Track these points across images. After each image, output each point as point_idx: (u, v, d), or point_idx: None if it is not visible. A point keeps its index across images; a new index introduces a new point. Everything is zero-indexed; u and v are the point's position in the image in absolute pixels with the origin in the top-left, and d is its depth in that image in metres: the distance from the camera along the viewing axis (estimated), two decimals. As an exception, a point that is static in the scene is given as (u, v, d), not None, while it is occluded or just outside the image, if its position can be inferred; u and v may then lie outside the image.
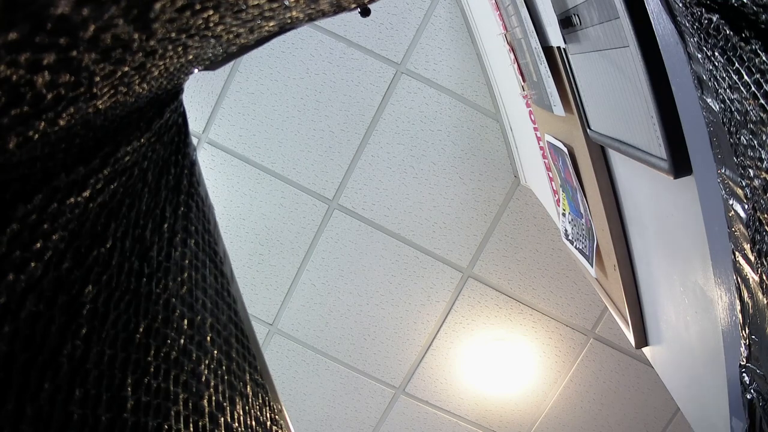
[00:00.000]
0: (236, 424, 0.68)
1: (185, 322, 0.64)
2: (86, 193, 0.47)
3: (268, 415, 0.81)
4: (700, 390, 0.98)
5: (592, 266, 1.42)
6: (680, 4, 0.58)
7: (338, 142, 2.64)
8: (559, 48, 1.18)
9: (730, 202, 0.58)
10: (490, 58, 2.40)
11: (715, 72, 0.53)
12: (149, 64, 0.44)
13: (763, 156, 0.47)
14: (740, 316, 0.60)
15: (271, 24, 0.60)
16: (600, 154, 1.19)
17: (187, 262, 0.68)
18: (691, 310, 0.94)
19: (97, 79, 0.37)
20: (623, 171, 1.12)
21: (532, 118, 1.78)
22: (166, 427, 0.54)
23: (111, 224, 0.52)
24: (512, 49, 1.63)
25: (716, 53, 0.51)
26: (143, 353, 0.54)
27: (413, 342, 2.80)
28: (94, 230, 0.49)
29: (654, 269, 1.09)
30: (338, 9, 0.75)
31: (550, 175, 1.78)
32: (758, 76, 0.45)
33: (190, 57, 0.53)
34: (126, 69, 0.40)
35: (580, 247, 1.52)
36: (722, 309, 0.72)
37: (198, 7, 0.40)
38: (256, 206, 2.71)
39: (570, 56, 1.12)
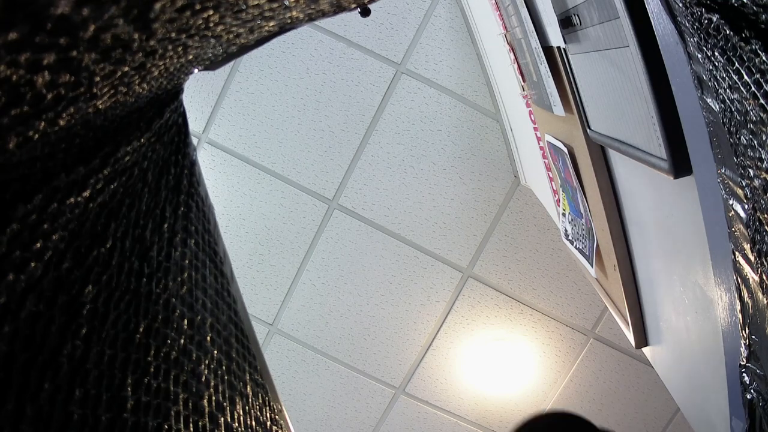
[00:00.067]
0: (236, 424, 0.68)
1: (185, 322, 0.64)
2: (86, 193, 0.47)
3: (268, 415, 0.81)
4: (700, 390, 0.98)
5: (592, 266, 1.42)
6: (680, 4, 0.58)
7: (338, 142, 2.64)
8: (559, 48, 1.18)
9: (730, 202, 0.58)
10: (490, 58, 2.40)
11: (715, 72, 0.53)
12: (149, 64, 0.44)
13: (763, 156, 0.47)
14: (740, 316, 0.60)
15: (271, 24, 0.60)
16: (600, 154, 1.19)
17: (187, 262, 0.68)
18: (691, 310, 0.94)
19: (97, 79, 0.37)
20: (623, 171, 1.12)
21: (532, 118, 1.78)
22: (166, 427, 0.54)
23: (111, 224, 0.52)
24: (512, 49, 1.63)
25: (716, 53, 0.51)
26: (143, 353, 0.54)
27: (413, 342, 2.80)
28: (94, 230, 0.49)
29: (654, 269, 1.09)
30: (338, 9, 0.75)
31: (550, 175, 1.78)
32: (758, 76, 0.45)
33: (190, 57, 0.53)
34: (126, 69, 0.40)
35: (580, 247, 1.52)
36: (722, 309, 0.72)
37: (198, 7, 0.40)
38: (256, 206, 2.71)
39: (570, 56, 1.12)
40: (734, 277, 0.61)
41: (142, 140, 0.58)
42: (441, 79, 2.58)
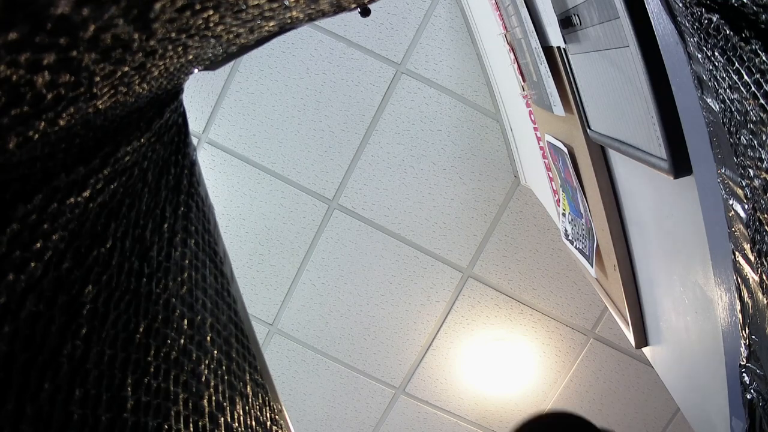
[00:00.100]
0: (236, 424, 0.68)
1: (185, 322, 0.64)
2: (86, 193, 0.47)
3: (268, 415, 0.81)
4: (700, 390, 0.98)
5: (592, 266, 1.42)
6: (680, 4, 0.58)
7: (338, 142, 2.64)
8: (559, 48, 1.18)
9: (730, 202, 0.58)
10: (490, 58, 2.40)
11: (715, 72, 0.53)
12: (149, 64, 0.44)
13: (763, 156, 0.47)
14: (740, 316, 0.60)
15: (271, 24, 0.60)
16: (600, 154, 1.19)
17: (187, 262, 0.68)
18: (691, 310, 0.94)
19: (97, 79, 0.37)
20: (623, 171, 1.12)
21: (532, 118, 1.78)
22: (166, 427, 0.54)
23: (111, 224, 0.52)
24: (512, 49, 1.63)
25: (716, 53, 0.51)
26: (143, 353, 0.54)
27: (413, 342, 2.80)
28: (94, 230, 0.49)
29: (654, 269, 1.09)
30: (338, 9, 0.75)
31: (550, 175, 1.78)
32: (758, 76, 0.45)
33: (190, 57, 0.53)
34: (126, 69, 0.40)
35: (580, 247, 1.52)
36: (722, 309, 0.72)
37: (198, 7, 0.40)
38: (256, 206, 2.71)
39: (570, 56, 1.12)
40: (734, 277, 0.61)
41: (142, 140, 0.58)
42: (441, 79, 2.58)
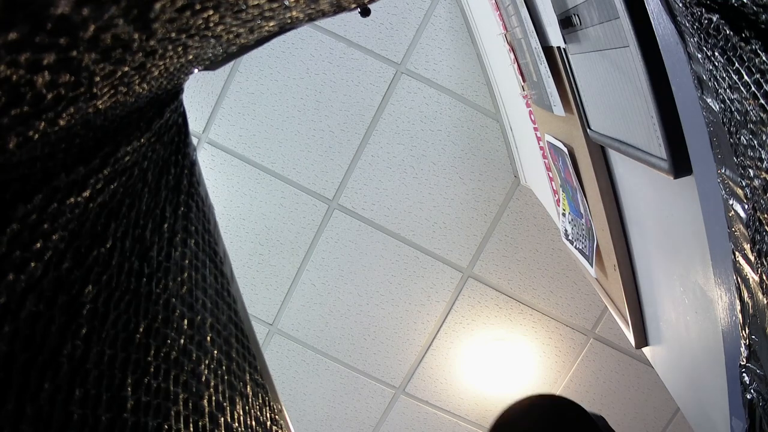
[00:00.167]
0: (236, 424, 0.68)
1: (185, 322, 0.64)
2: (86, 193, 0.47)
3: (268, 415, 0.81)
4: (700, 390, 0.98)
5: (592, 266, 1.42)
6: (680, 4, 0.58)
7: (338, 142, 2.64)
8: (559, 48, 1.18)
9: (730, 202, 0.58)
10: (490, 58, 2.40)
11: (715, 72, 0.53)
12: (149, 64, 0.44)
13: (763, 156, 0.47)
14: (740, 316, 0.60)
15: (271, 24, 0.60)
16: (600, 154, 1.19)
17: (187, 262, 0.68)
18: (691, 310, 0.94)
19: (97, 79, 0.37)
20: (623, 171, 1.12)
21: (532, 118, 1.78)
22: (166, 427, 0.54)
23: (111, 224, 0.52)
24: (512, 49, 1.63)
25: (716, 53, 0.51)
26: (143, 353, 0.54)
27: (413, 342, 2.80)
28: (94, 230, 0.49)
29: (654, 269, 1.09)
30: (338, 9, 0.75)
31: (550, 175, 1.78)
32: (758, 76, 0.45)
33: (190, 57, 0.53)
34: (126, 69, 0.40)
35: (580, 247, 1.52)
36: (722, 309, 0.72)
37: (198, 7, 0.40)
38: (256, 206, 2.71)
39: (570, 56, 1.12)
40: (734, 277, 0.61)
41: (142, 140, 0.58)
42: (441, 79, 2.58)
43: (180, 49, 0.46)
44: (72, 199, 0.45)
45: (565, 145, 1.39)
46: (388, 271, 2.73)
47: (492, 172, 2.63)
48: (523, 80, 1.65)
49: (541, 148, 1.78)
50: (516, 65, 1.64)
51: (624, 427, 2.77)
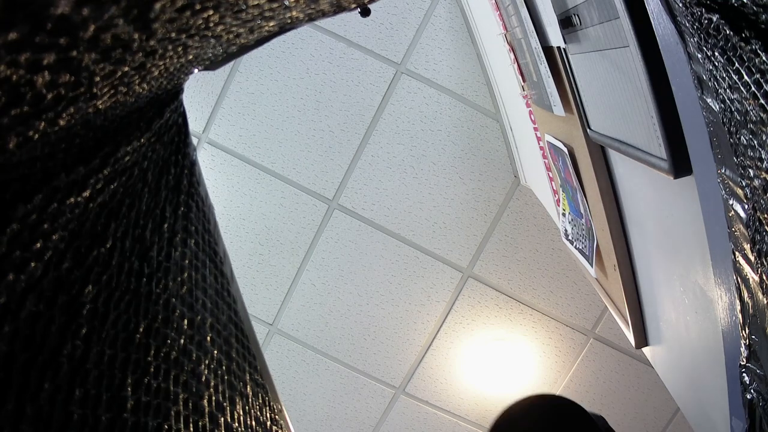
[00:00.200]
0: (236, 424, 0.68)
1: (185, 322, 0.64)
2: (86, 193, 0.47)
3: (268, 415, 0.81)
4: (700, 390, 0.98)
5: (592, 266, 1.42)
6: (680, 4, 0.58)
7: (338, 142, 2.64)
8: (559, 48, 1.18)
9: (730, 202, 0.58)
10: (490, 58, 2.40)
11: (715, 72, 0.53)
12: (149, 64, 0.44)
13: (763, 156, 0.47)
14: (740, 316, 0.60)
15: (271, 24, 0.60)
16: (600, 154, 1.19)
17: (187, 262, 0.68)
18: (691, 310, 0.94)
19: (97, 79, 0.37)
20: (623, 171, 1.12)
21: (532, 118, 1.78)
22: (166, 427, 0.54)
23: (111, 224, 0.52)
24: (512, 49, 1.63)
25: (716, 53, 0.51)
26: (143, 353, 0.54)
27: (413, 342, 2.80)
28: (94, 230, 0.49)
29: (654, 269, 1.09)
30: (338, 9, 0.75)
31: (550, 175, 1.78)
32: (758, 76, 0.45)
33: (190, 57, 0.53)
34: (126, 69, 0.40)
35: (580, 247, 1.52)
36: (722, 309, 0.72)
37: (198, 7, 0.40)
38: (256, 206, 2.71)
39: (570, 56, 1.12)
40: (734, 277, 0.61)
41: (142, 140, 0.58)
42: (441, 79, 2.58)
43: (180, 49, 0.46)
44: (72, 199, 0.45)
45: (565, 145, 1.39)
46: (388, 271, 2.73)
47: (492, 172, 2.63)
48: (523, 80, 1.65)
49: (541, 148, 1.78)
50: (516, 65, 1.64)
51: (624, 427, 2.78)
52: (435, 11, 2.52)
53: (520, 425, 0.91)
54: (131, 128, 0.56)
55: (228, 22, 0.49)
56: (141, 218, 0.59)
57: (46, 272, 0.43)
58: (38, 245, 0.41)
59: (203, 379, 0.64)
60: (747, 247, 0.55)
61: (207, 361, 0.66)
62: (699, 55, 0.56)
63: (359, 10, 0.85)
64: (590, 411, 0.93)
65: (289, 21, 0.64)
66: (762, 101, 0.45)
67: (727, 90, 0.51)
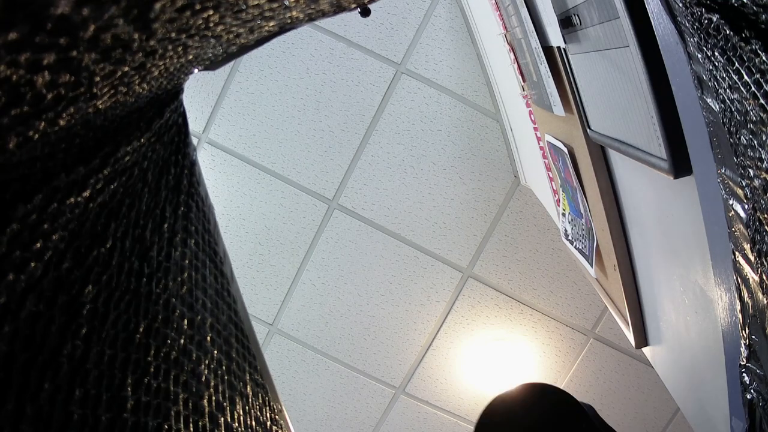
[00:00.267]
0: (236, 424, 0.68)
1: (185, 322, 0.64)
2: (86, 193, 0.47)
3: (268, 415, 0.81)
4: (700, 390, 0.98)
5: (592, 266, 1.42)
6: (680, 4, 0.58)
7: (338, 142, 2.64)
8: (559, 48, 1.18)
9: (730, 202, 0.58)
10: (490, 58, 2.40)
11: (715, 72, 0.53)
12: (149, 64, 0.44)
13: (763, 156, 0.47)
14: (740, 316, 0.60)
15: (271, 24, 0.60)
16: (600, 154, 1.19)
17: (187, 262, 0.68)
18: (691, 310, 0.94)
19: (97, 79, 0.37)
20: (623, 171, 1.12)
21: (532, 118, 1.78)
22: (166, 427, 0.54)
23: (111, 224, 0.52)
24: (512, 49, 1.63)
25: (716, 53, 0.51)
26: (143, 353, 0.54)
27: (413, 342, 2.80)
28: (94, 230, 0.49)
29: (654, 269, 1.09)
30: (338, 9, 0.75)
31: (550, 175, 1.78)
32: (758, 76, 0.45)
33: (190, 57, 0.53)
34: (126, 69, 0.40)
35: (580, 247, 1.52)
36: (722, 309, 0.72)
37: (198, 7, 0.40)
38: (256, 206, 2.71)
39: (570, 56, 1.12)
40: (734, 277, 0.61)
41: (142, 140, 0.58)
42: (441, 79, 2.58)
43: (180, 49, 0.46)
44: (72, 199, 0.45)
45: (565, 145, 1.39)
46: (388, 271, 2.73)
47: (492, 172, 2.63)
48: (523, 80, 1.65)
49: (541, 148, 1.78)
50: (516, 65, 1.64)
51: (624, 427, 2.78)
52: (435, 11, 2.52)
53: (511, 413, 0.92)
54: (131, 128, 0.56)
55: (228, 22, 0.49)
56: (141, 218, 0.59)
57: (46, 272, 0.43)
58: (38, 245, 0.41)
59: (203, 379, 0.64)
60: (747, 247, 0.55)
61: (207, 361, 0.66)
62: (699, 55, 0.56)
63: (359, 10, 0.85)
64: (580, 400, 0.94)
65: (289, 21, 0.64)
66: (762, 101, 0.45)
67: (727, 90, 0.51)
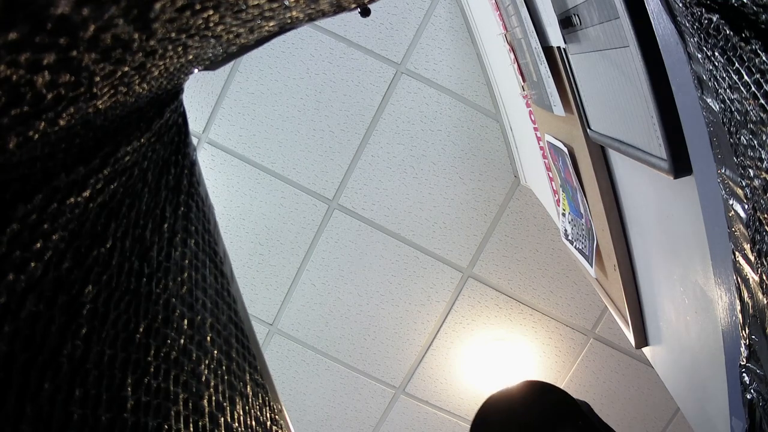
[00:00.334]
0: (236, 424, 0.68)
1: (185, 322, 0.64)
2: (86, 193, 0.47)
3: (268, 415, 0.81)
4: (700, 390, 0.98)
5: (592, 266, 1.42)
6: (680, 4, 0.58)
7: (338, 142, 2.64)
8: (559, 48, 1.18)
9: (730, 202, 0.58)
10: (490, 58, 2.40)
11: (715, 72, 0.53)
12: (149, 64, 0.44)
13: (763, 156, 0.47)
14: (740, 316, 0.60)
15: (271, 24, 0.60)
16: (600, 154, 1.19)
17: (187, 262, 0.68)
18: (691, 310, 0.94)
19: (97, 79, 0.37)
20: (623, 171, 1.12)
21: (532, 118, 1.78)
22: (166, 427, 0.54)
23: (111, 224, 0.52)
24: (512, 49, 1.63)
25: (716, 53, 0.51)
26: (143, 353, 0.54)
27: (413, 342, 2.80)
28: (94, 230, 0.49)
29: (654, 269, 1.09)
30: (338, 9, 0.75)
31: (550, 175, 1.78)
32: (758, 76, 0.45)
33: (190, 57, 0.53)
34: (126, 69, 0.40)
35: (580, 247, 1.52)
36: (722, 309, 0.72)
37: (198, 7, 0.40)
38: (256, 206, 2.71)
39: (570, 56, 1.12)
40: (734, 277, 0.61)
41: (142, 140, 0.58)
42: (441, 79, 2.58)
43: (180, 49, 0.46)
44: (72, 199, 0.45)
45: (565, 145, 1.39)
46: (388, 271, 2.73)
47: (492, 172, 2.63)
48: (523, 80, 1.65)
49: (541, 148, 1.78)
50: (516, 65, 1.64)
51: (624, 427, 2.78)
52: (435, 11, 2.52)
53: (508, 410, 0.92)
54: (131, 128, 0.56)
55: (228, 22, 0.49)
56: (141, 218, 0.59)
57: (46, 272, 0.43)
58: (38, 245, 0.41)
59: (203, 379, 0.64)
60: (747, 247, 0.55)
61: (207, 361, 0.66)
62: (699, 55, 0.56)
63: (359, 10, 0.85)
64: (576, 397, 0.94)
65: (289, 21, 0.64)
66: (762, 101, 0.45)
67: (727, 90, 0.51)
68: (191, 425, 0.59)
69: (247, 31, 0.57)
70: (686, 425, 1.99)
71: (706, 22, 0.51)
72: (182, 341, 0.62)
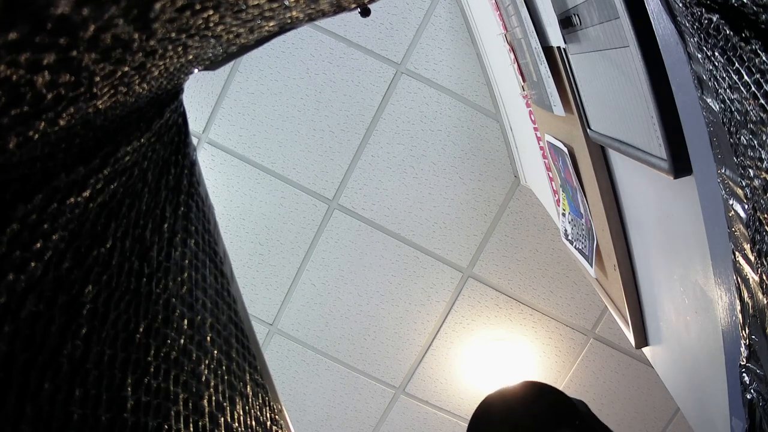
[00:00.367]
0: (236, 424, 0.68)
1: (185, 322, 0.64)
2: (86, 193, 0.47)
3: (268, 415, 0.81)
4: (700, 390, 0.98)
5: (592, 266, 1.42)
6: (680, 4, 0.58)
7: (338, 142, 2.64)
8: (559, 48, 1.18)
9: (730, 202, 0.58)
10: (490, 58, 2.40)
11: (715, 72, 0.53)
12: (149, 64, 0.44)
13: (763, 156, 0.47)
14: (740, 316, 0.60)
15: (271, 24, 0.60)
16: (600, 154, 1.19)
17: (187, 262, 0.68)
18: (691, 310, 0.94)
19: (97, 79, 0.37)
20: (623, 171, 1.12)
21: (532, 118, 1.78)
22: (166, 427, 0.54)
23: (111, 224, 0.52)
24: (512, 49, 1.63)
25: (716, 53, 0.51)
26: (143, 353, 0.54)
27: (413, 342, 2.80)
28: (94, 230, 0.49)
29: (654, 269, 1.09)
30: (338, 9, 0.75)
31: (550, 175, 1.78)
32: (758, 76, 0.45)
33: (190, 57, 0.53)
34: (126, 69, 0.40)
35: (580, 247, 1.52)
36: (722, 309, 0.72)
37: (198, 7, 0.40)
38: (256, 206, 2.71)
39: (570, 56, 1.12)
40: (734, 277, 0.61)
41: (142, 140, 0.58)
42: (441, 79, 2.58)
43: (180, 49, 0.46)
44: (72, 199, 0.45)
45: (565, 145, 1.39)
46: (388, 271, 2.73)
47: (492, 172, 2.63)
48: (523, 80, 1.65)
49: (541, 148, 1.78)
50: (516, 65, 1.64)
51: (624, 427, 2.77)
52: (435, 11, 2.52)
53: (506, 409, 0.92)
54: (131, 128, 0.57)
55: (228, 22, 0.49)
56: (141, 218, 0.59)
57: (46, 272, 0.43)
58: (38, 245, 0.41)
59: (203, 379, 0.64)
60: (747, 247, 0.55)
61: (207, 361, 0.66)
62: (699, 55, 0.56)
63: (359, 10, 0.85)
64: (572, 397, 0.94)
65: (289, 21, 0.64)
66: (762, 101, 0.45)
67: (727, 90, 0.51)
68: (191, 425, 0.59)
69: (247, 31, 0.57)
70: (686, 425, 1.99)
71: (706, 22, 0.51)
72: (182, 341, 0.62)
